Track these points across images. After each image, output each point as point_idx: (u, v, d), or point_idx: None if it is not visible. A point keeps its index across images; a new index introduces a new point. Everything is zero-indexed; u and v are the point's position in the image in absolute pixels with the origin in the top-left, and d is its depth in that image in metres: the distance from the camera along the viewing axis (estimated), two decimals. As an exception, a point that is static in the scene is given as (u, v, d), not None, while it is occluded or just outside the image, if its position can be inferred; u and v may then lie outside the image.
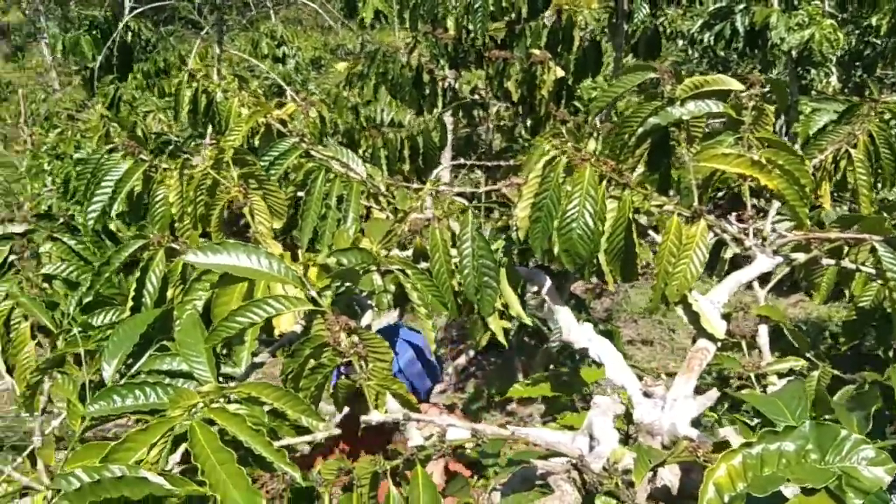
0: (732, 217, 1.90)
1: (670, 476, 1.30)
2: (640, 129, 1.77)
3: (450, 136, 3.94)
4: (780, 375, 1.54)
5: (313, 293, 1.25)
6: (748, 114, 1.77)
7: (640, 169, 1.85)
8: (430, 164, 3.49)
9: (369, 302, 1.65)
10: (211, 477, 0.94)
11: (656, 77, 1.84)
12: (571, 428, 1.58)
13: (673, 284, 1.55)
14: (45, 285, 1.97)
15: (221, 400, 1.11)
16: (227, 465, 0.95)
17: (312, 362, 1.22)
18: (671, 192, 1.86)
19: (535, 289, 2.45)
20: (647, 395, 1.54)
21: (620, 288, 5.77)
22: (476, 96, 4.38)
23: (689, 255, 1.54)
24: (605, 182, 1.53)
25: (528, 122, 3.54)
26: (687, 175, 1.72)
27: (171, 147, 4.67)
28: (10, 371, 1.87)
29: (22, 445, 4.65)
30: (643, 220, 1.76)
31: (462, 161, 2.80)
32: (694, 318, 1.56)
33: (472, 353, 5.54)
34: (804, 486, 0.80)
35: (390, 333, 1.97)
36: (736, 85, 1.79)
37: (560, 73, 2.98)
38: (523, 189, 1.55)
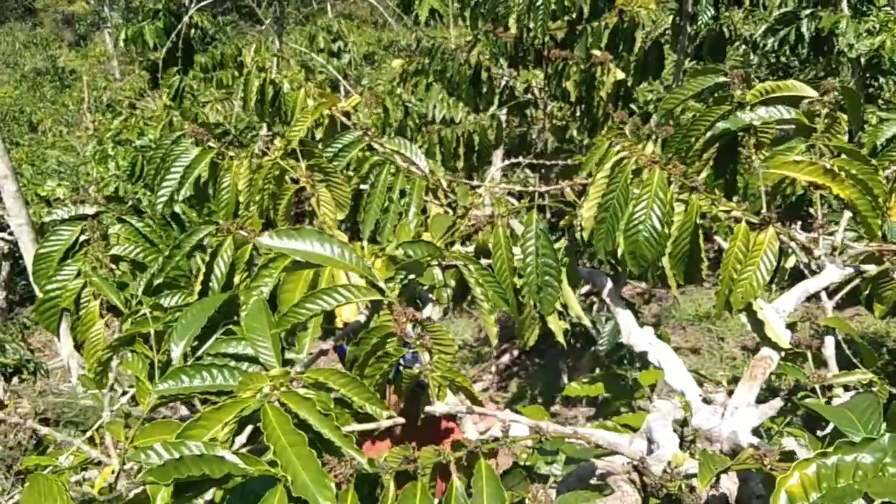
0: (797, 226, 1.87)
1: (728, 484, 1.29)
2: (709, 134, 1.76)
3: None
4: (846, 389, 1.51)
5: (381, 284, 1.26)
6: (820, 121, 1.73)
7: (705, 173, 1.83)
8: (483, 161, 3.50)
9: (430, 296, 1.66)
10: (282, 458, 0.96)
11: (725, 81, 1.83)
12: (627, 426, 1.57)
13: (738, 291, 1.53)
14: (113, 266, 2.04)
15: (290, 384, 1.14)
16: (299, 448, 0.97)
17: (378, 352, 1.24)
18: (736, 199, 1.83)
19: (584, 290, 2.44)
20: (706, 401, 1.53)
21: (669, 294, 5.69)
22: (530, 96, 4.38)
23: (756, 262, 1.52)
24: (673, 185, 1.52)
25: (585, 123, 3.52)
26: (755, 181, 1.70)
27: (228, 137, 4.77)
28: (78, 348, 1.94)
29: (77, 421, 4.81)
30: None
31: (515, 160, 2.79)
32: (758, 326, 1.53)
33: (515, 352, 5.54)
34: (882, 499, 0.79)
35: None
36: (809, 91, 1.76)
37: (620, 74, 2.96)
38: (590, 189, 1.55)
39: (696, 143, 1.80)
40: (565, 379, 4.39)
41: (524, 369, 5.22)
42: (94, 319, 1.85)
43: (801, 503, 0.84)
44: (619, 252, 1.56)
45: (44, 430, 1.57)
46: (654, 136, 2.56)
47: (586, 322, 1.70)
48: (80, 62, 17.67)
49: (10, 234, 9.14)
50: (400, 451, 1.06)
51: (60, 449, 1.80)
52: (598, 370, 3.91)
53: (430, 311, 1.62)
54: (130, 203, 2.13)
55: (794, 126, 1.83)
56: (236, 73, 5.89)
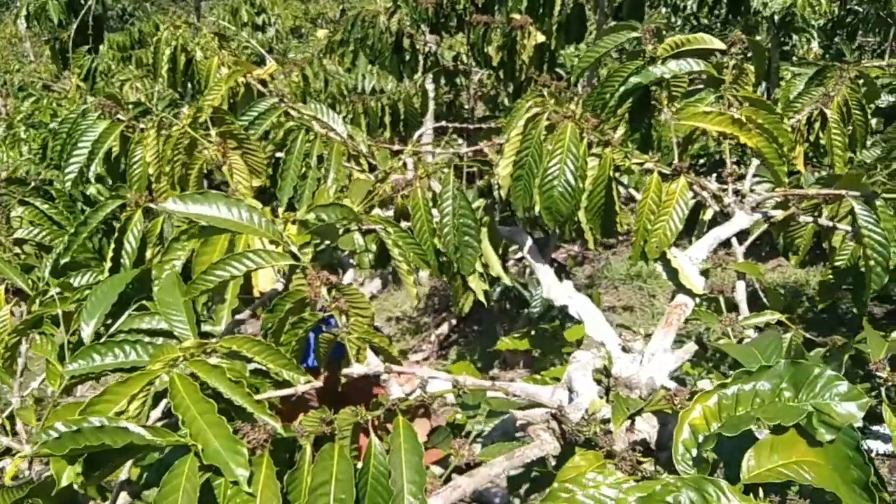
0: (712, 178, 1.91)
1: (648, 428, 1.32)
2: (622, 89, 1.77)
3: (432, 104, 3.92)
4: (757, 330, 1.56)
5: (293, 249, 1.24)
6: (729, 73, 1.77)
7: (622, 130, 1.85)
8: (410, 130, 3.47)
9: (350, 261, 1.64)
10: (192, 427, 0.94)
11: (638, 37, 1.85)
12: (556, 379, 1.59)
13: (652, 241, 1.56)
14: (17, 249, 1.95)
15: (202, 355, 1.11)
16: (208, 416, 0.95)
17: (293, 317, 1.22)
18: (651, 153, 1.87)
19: (518, 256, 2.45)
20: (625, 350, 1.56)
21: (601, 255, 5.80)
22: (457, 63, 4.35)
23: (669, 211, 1.55)
24: (586, 140, 1.53)
25: (510, 89, 3.52)
26: (668, 135, 1.73)
27: (150, 116, 4.60)
28: (-14, 335, 1.85)
29: None
30: (624, 180, 1.77)
31: (444, 124, 2.77)
32: (673, 274, 1.57)
33: (454, 321, 5.57)
34: (775, 423, 0.82)
35: None
36: (717, 44, 1.79)
37: (541, 38, 2.96)
38: (505, 147, 1.54)
39: (610, 99, 1.82)
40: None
41: (463, 337, 5.25)
42: (0, 305, 1.77)
43: (703, 434, 0.86)
44: (537, 209, 1.57)
45: (-49, 421, 1.50)
46: (575, 99, 2.58)
47: (506, 280, 1.72)
48: (-12, 44, 16.72)
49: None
50: (317, 415, 1.05)
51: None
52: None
53: (350, 278, 1.60)
54: (33, 185, 2.04)
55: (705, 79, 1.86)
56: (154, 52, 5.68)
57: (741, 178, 1.75)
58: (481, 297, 1.63)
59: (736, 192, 1.67)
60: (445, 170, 1.61)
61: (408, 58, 3.42)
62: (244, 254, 1.21)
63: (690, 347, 1.48)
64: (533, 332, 1.93)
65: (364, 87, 5.59)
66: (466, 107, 4.55)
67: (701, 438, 0.86)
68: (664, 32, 1.85)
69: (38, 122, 4.44)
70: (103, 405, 0.98)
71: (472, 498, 1.30)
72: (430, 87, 3.92)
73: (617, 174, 1.60)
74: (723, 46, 1.79)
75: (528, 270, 4.14)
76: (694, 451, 0.87)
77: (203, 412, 0.95)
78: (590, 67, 1.92)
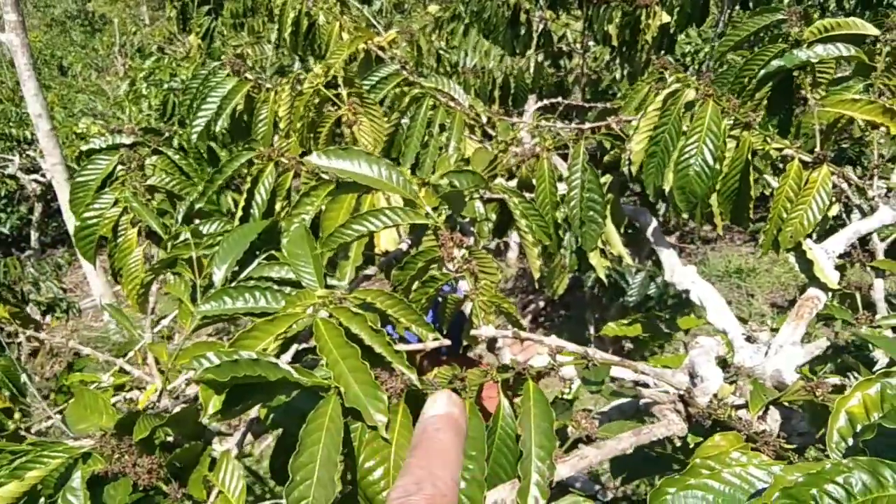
0: (851, 170, 1.82)
1: (770, 422, 1.28)
2: (763, 72, 1.70)
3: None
4: (894, 331, 1.48)
5: (429, 209, 1.25)
6: (881, 60, 1.67)
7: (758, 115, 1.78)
8: (518, 105, 3.44)
9: (471, 229, 1.64)
10: (335, 370, 0.96)
11: (783, 19, 1.77)
12: (666, 367, 1.56)
13: (787, 230, 1.50)
14: (149, 197, 2.04)
15: (338, 303, 1.13)
16: (350, 360, 0.97)
17: (424, 276, 1.23)
18: (790, 140, 1.79)
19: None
20: (749, 340, 1.51)
21: (699, 249, 5.63)
22: (565, 44, 4.28)
23: (808, 200, 1.48)
24: (727, 120, 1.48)
25: (624, 70, 3.44)
26: (809, 120, 1.65)
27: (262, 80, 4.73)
28: (115, 276, 1.95)
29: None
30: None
31: (553, 100, 2.72)
32: (806, 266, 1.50)
33: (541, 303, 5.54)
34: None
35: None
36: (871, 30, 1.69)
37: (666, 17, 2.87)
38: (640, 122, 1.51)
39: (749, 82, 1.75)
40: (592, 330, 4.38)
41: (550, 321, 5.22)
42: (132, 247, 1.86)
43: (861, 423, 0.82)
44: (668, 188, 1.53)
45: (86, 351, 1.60)
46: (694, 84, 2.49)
47: (628, 260, 1.68)
48: (109, 7, 17.60)
49: (42, 175, 9.25)
50: (448, 371, 1.06)
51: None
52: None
53: (473, 243, 1.60)
54: (167, 135, 2.13)
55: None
56: (267, 20, 5.83)
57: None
58: (602, 275, 1.60)
59: (882, 186, 1.58)
60: (572, 143, 1.59)
61: (522, 32, 3.38)
62: (382, 210, 1.22)
63: (822, 343, 1.42)
64: (643, 320, 1.89)
65: (465, 64, 5.58)
66: (572, 87, 4.48)
67: (858, 428, 0.82)
68: (813, 16, 1.76)
69: (158, 81, 4.63)
70: (250, 341, 1.02)
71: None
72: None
73: (754, 159, 1.54)
74: (876, 32, 1.69)
75: (623, 261, 4.07)
76: (850, 441, 0.83)
77: (345, 356, 0.97)
78: (733, 49, 1.85)
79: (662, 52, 3.43)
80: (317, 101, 1.68)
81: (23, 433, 1.46)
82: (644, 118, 1.50)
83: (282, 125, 1.73)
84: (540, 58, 3.83)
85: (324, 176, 1.66)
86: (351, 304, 1.16)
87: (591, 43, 4.85)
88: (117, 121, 5.83)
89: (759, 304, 4.94)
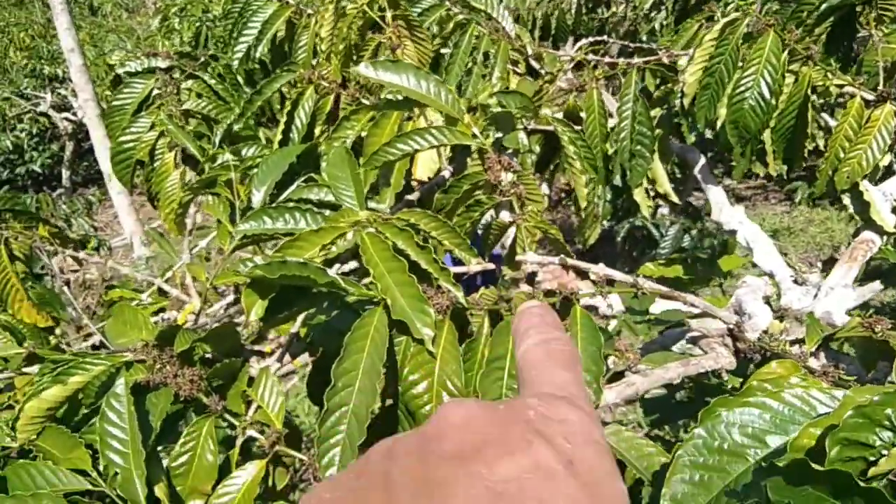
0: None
1: (816, 365, 1.24)
2: (824, 6, 1.62)
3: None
4: (951, 279, 1.43)
5: (476, 130, 1.21)
6: (953, -5, 1.58)
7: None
8: (558, 45, 3.36)
9: (515, 160, 1.61)
10: (381, 282, 0.94)
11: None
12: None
13: (844, 170, 1.44)
14: (185, 121, 2.02)
15: (383, 221, 1.11)
16: (397, 274, 0.95)
17: (469, 199, 1.20)
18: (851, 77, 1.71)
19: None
20: (797, 282, 1.47)
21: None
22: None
23: (868, 139, 1.42)
24: (786, 52, 1.42)
25: (668, 19, 3.32)
26: (871, 57, 1.57)
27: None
28: (152, 200, 1.95)
29: (141, 290, 4.97)
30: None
31: (599, 37, 2.63)
32: (862, 207, 1.45)
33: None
34: None
35: None
36: (943, -38, 1.60)
37: (718, -44, 2.76)
38: (695, 52, 1.45)
39: (808, 17, 1.67)
40: (621, 283, 4.34)
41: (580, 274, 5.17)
42: (169, 170, 1.85)
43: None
44: (720, 122, 1.48)
45: (124, 270, 1.60)
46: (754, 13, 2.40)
47: (674, 198, 1.64)
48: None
49: (74, 114, 9.29)
50: (493, 292, 1.03)
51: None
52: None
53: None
54: (203, 59, 2.09)
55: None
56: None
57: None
58: (646, 212, 1.56)
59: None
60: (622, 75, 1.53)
61: (565, -27, 3.28)
62: (427, 129, 1.19)
63: (875, 286, 1.37)
64: (684, 260, 1.85)
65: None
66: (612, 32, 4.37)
67: (928, 359, 0.79)
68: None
69: (191, 15, 4.58)
70: (295, 250, 1.00)
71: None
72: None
73: (813, 96, 1.48)
74: (949, -34, 1.60)
75: (658, 209, 4.00)
76: (919, 371, 0.79)
77: (392, 270, 0.95)
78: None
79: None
80: (360, 22, 1.63)
81: (64, 348, 1.48)
82: (699, 49, 1.44)
83: (323, 46, 1.69)
84: (580, 1, 3.73)
85: (365, 102, 1.62)
86: (396, 224, 1.14)
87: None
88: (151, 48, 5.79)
89: (793, 262, 4.86)
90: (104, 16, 12.87)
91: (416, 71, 1.15)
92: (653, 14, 5.05)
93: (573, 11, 3.39)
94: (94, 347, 1.85)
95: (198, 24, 3.91)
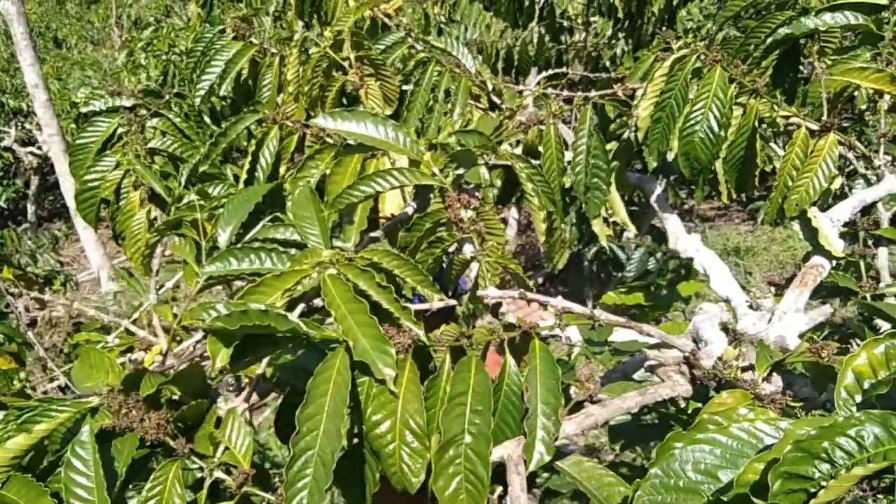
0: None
1: (771, 388, 1.29)
2: (769, 39, 1.69)
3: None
4: (897, 300, 1.48)
5: (436, 170, 1.25)
6: (890, 28, 1.66)
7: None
8: (521, 77, 3.42)
9: (476, 195, 1.64)
10: (343, 324, 0.96)
11: (789, -14, 1.75)
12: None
13: (793, 198, 1.50)
14: (150, 160, 2.03)
15: (346, 262, 1.13)
16: (358, 315, 0.97)
17: (431, 237, 1.23)
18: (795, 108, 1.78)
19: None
20: (752, 307, 1.51)
21: (697, 227, 5.64)
22: (566, 19, 4.26)
23: (814, 168, 1.48)
24: (734, 86, 1.47)
25: (627, 47, 3.42)
26: (815, 89, 1.64)
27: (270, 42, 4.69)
28: (117, 239, 1.95)
29: (109, 327, 4.90)
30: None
31: (557, 70, 2.70)
32: (811, 234, 1.50)
33: (540, 279, 5.54)
34: (956, 378, 0.77)
35: None
36: (879, -3, 1.68)
37: (672, -12, 2.85)
38: (647, 87, 1.50)
39: (755, 49, 1.74)
40: (590, 306, 4.39)
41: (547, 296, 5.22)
42: (135, 209, 1.85)
43: (868, 381, 0.83)
44: (672, 154, 1.53)
45: (90, 312, 1.60)
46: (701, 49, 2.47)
47: (631, 228, 1.68)
48: (104, -22, 17.35)
49: (39, 148, 9.19)
50: (455, 328, 1.06)
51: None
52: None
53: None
54: (167, 97, 2.11)
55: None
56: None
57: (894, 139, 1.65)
58: (604, 242, 1.61)
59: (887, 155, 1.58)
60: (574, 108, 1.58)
61: (526, 4, 3.36)
62: (389, 171, 1.22)
63: (825, 309, 1.42)
64: (645, 287, 1.90)
65: (465, 39, 5.54)
66: (573, 61, 4.46)
67: (866, 385, 0.83)
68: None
69: (157, 51, 4.60)
70: (258, 295, 1.02)
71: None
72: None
73: (760, 127, 1.54)
74: (885, 1, 1.68)
75: (623, 233, 4.07)
76: (858, 398, 0.83)
77: (354, 311, 0.97)
78: (734, 17, 1.84)
79: (665, 26, 3.41)
80: (325, 64, 1.66)
81: (28, 392, 1.47)
82: (651, 84, 1.49)
83: (290, 88, 1.72)
84: (541, 31, 3.81)
85: (328, 140, 1.65)
86: (359, 263, 1.16)
87: (592, 18, 4.82)
88: (118, 86, 5.78)
89: (756, 281, 4.96)
90: (69, 48, 12.79)
91: (374, 118, 1.18)
92: (613, 41, 5.18)
93: (535, 42, 3.47)
94: (60, 389, 1.83)
95: (165, 60, 3.93)
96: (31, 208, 9.50)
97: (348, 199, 1.22)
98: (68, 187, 5.67)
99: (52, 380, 1.92)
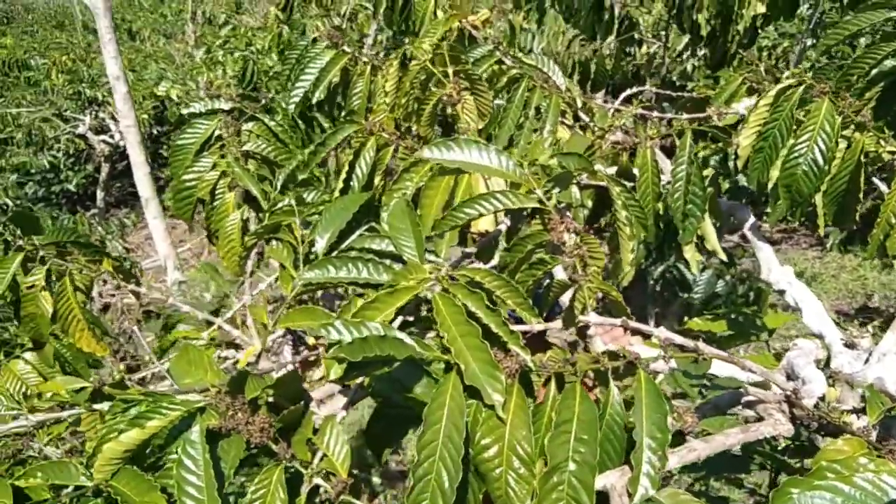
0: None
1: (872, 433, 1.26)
2: (874, 71, 1.65)
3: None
4: None
5: (539, 192, 1.25)
6: None
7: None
8: (597, 91, 3.41)
9: (568, 214, 1.64)
10: (454, 346, 0.98)
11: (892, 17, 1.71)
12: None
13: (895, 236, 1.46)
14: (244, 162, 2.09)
15: (448, 279, 1.15)
16: (469, 339, 0.98)
17: (532, 258, 1.24)
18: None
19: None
20: (848, 346, 1.48)
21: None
22: (637, 33, 4.21)
23: (921, 207, 1.44)
24: (840, 119, 1.45)
25: (709, 62, 3.37)
26: (922, 125, 1.60)
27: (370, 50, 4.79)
28: (210, 238, 2.01)
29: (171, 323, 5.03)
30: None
31: (641, 88, 2.68)
32: (914, 274, 1.47)
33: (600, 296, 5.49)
34: None
35: None
36: None
37: (761, 8, 2.80)
38: (750, 116, 1.48)
39: (857, 80, 1.70)
40: (652, 325, 4.34)
41: (610, 315, 5.17)
42: (229, 210, 1.91)
43: None
44: (771, 184, 1.51)
45: (185, 308, 1.65)
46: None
47: (722, 256, 1.66)
48: (178, -27, 17.83)
49: (111, 136, 9.50)
50: (560, 353, 1.07)
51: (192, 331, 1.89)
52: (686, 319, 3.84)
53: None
54: (263, 101, 2.16)
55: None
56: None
57: None
58: (695, 269, 1.59)
59: None
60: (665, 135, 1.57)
61: (605, 17, 3.34)
62: (493, 194, 1.23)
63: (928, 354, 1.38)
64: (728, 316, 1.88)
65: (533, 48, 5.53)
66: (649, 75, 4.41)
67: None
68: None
69: (233, 48, 4.71)
70: (372, 312, 1.04)
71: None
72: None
73: (865, 160, 1.51)
74: None
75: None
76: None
77: (464, 334, 0.98)
78: (836, 45, 1.80)
79: (746, 44, 3.36)
80: (423, 77, 1.69)
81: (127, 383, 1.52)
82: (754, 112, 1.48)
83: (387, 100, 1.75)
84: (616, 44, 3.78)
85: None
86: (462, 282, 1.18)
87: (663, 32, 4.77)
88: (193, 83, 5.94)
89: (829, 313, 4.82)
90: (142, 41, 13.17)
91: (477, 145, 1.20)
92: (685, 56, 5.11)
93: (612, 56, 3.45)
94: (140, 380, 1.89)
95: (244, 57, 4.02)
96: (100, 194, 9.81)
97: (453, 221, 1.23)
98: (140, 177, 5.84)
99: (130, 370, 1.99)
